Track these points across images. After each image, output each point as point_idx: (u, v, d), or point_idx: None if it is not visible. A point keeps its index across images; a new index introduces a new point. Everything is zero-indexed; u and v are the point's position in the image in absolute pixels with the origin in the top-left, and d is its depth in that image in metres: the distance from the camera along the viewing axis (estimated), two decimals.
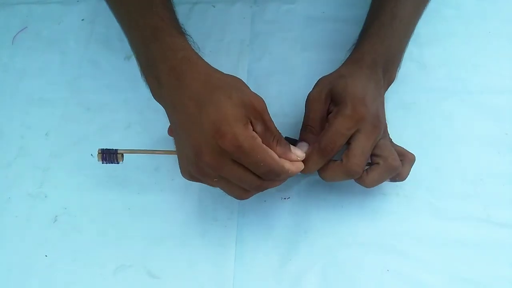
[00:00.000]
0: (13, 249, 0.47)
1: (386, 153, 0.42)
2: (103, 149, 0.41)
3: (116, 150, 0.42)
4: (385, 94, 0.49)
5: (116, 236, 0.47)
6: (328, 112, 0.44)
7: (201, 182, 0.41)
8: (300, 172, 0.42)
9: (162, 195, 0.50)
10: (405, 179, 0.45)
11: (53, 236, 0.48)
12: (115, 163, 0.42)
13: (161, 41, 0.41)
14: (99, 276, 0.46)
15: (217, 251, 0.46)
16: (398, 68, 0.49)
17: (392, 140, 0.47)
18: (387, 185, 0.48)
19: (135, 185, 0.50)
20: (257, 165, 0.37)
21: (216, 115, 0.36)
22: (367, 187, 0.44)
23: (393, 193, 0.49)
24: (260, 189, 0.41)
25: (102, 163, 0.42)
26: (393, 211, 0.48)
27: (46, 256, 0.47)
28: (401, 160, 0.44)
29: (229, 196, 0.49)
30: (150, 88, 0.43)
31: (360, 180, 0.43)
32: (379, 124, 0.42)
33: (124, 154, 0.43)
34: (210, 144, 0.36)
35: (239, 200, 0.49)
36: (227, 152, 0.36)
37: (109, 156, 0.41)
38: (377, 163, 0.43)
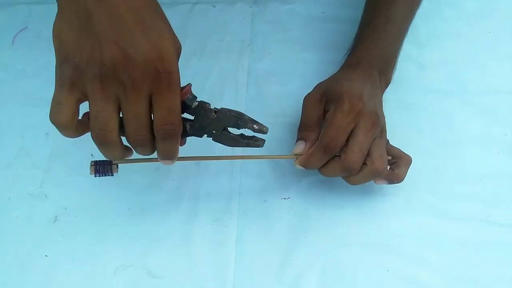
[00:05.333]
0: (13, 249, 0.47)
1: (374, 155, 0.42)
2: (96, 160, 0.38)
3: (110, 161, 0.39)
4: (384, 94, 0.49)
5: (116, 236, 0.47)
6: (325, 112, 0.44)
7: (71, 92, 0.34)
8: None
9: (162, 195, 0.49)
10: (402, 180, 0.46)
11: (53, 236, 0.48)
12: (109, 175, 0.39)
13: None
14: (99, 276, 0.45)
15: (217, 251, 0.46)
16: (394, 69, 0.50)
17: (389, 141, 0.47)
18: (387, 185, 0.48)
19: (135, 185, 0.50)
20: (169, 109, 0.34)
21: (159, 34, 0.33)
22: (351, 184, 0.45)
23: (393, 194, 0.49)
24: (141, 144, 0.35)
25: (95, 176, 0.38)
26: (393, 211, 0.48)
27: (46, 256, 0.47)
28: (397, 162, 0.45)
29: (229, 196, 0.49)
30: None
31: (346, 177, 0.44)
32: (377, 121, 0.42)
33: (118, 164, 0.39)
34: (144, 56, 0.32)
35: (238, 200, 0.49)
36: (158, 71, 0.32)
37: (103, 167, 0.39)
38: (365, 164, 0.43)
